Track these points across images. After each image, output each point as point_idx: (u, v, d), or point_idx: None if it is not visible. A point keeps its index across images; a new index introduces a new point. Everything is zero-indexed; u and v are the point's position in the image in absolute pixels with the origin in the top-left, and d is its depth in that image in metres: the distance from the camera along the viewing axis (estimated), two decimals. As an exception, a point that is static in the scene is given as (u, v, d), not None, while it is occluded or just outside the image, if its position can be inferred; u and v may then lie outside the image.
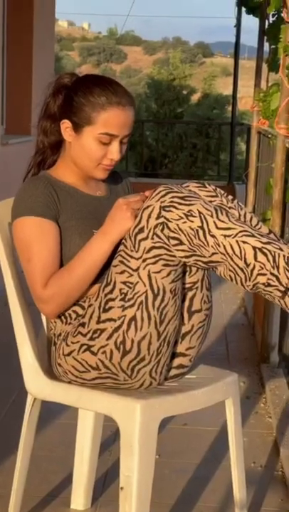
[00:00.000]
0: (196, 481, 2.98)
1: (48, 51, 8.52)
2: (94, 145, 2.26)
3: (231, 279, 2.13)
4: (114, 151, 2.27)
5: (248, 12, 6.47)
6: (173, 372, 2.32)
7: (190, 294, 2.26)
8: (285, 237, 4.16)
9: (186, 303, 2.26)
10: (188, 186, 2.25)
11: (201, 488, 2.93)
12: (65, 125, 2.29)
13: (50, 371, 2.36)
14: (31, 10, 7.73)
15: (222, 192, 2.28)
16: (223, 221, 2.09)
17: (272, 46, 5.45)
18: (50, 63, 8.66)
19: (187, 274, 2.23)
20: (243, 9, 6.77)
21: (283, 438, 3.31)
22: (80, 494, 2.67)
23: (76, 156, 2.30)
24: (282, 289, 2.08)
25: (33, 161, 2.41)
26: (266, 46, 6.12)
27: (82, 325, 2.23)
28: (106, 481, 2.93)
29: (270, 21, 5.60)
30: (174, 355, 2.29)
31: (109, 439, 3.18)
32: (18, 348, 2.39)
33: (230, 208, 2.24)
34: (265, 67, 5.96)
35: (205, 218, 2.08)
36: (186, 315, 2.27)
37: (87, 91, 2.25)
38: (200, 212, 2.09)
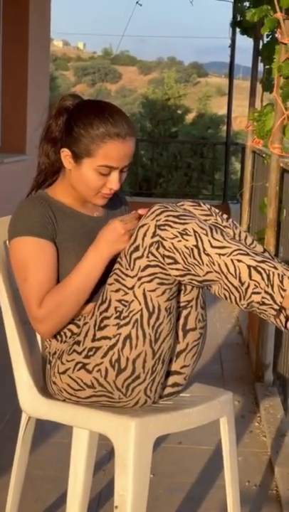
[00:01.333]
0: (191, 501, 2.98)
1: (44, 71, 8.56)
2: (93, 175, 2.25)
3: (226, 298, 2.14)
4: (114, 181, 2.26)
5: (242, 33, 6.50)
6: (168, 390, 2.32)
7: (185, 312, 2.26)
8: (280, 256, 4.16)
9: (181, 321, 2.27)
10: (183, 205, 2.25)
11: (196, 507, 2.93)
12: (65, 153, 2.28)
13: (44, 389, 2.36)
14: (26, 30, 7.77)
15: (217, 211, 2.29)
16: (217, 240, 2.09)
17: (267, 66, 5.48)
18: (46, 83, 8.69)
19: (182, 292, 2.24)
20: (238, 30, 6.80)
21: (278, 457, 3.31)
22: (74, 513, 2.66)
23: (75, 184, 2.30)
24: (276, 307, 2.08)
25: (34, 182, 2.41)
26: (260, 66, 6.16)
27: (77, 343, 2.23)
28: (100, 500, 2.92)
29: (264, 41, 5.63)
30: (168, 373, 2.29)
31: (104, 458, 3.17)
32: (12, 366, 2.39)
33: (225, 226, 2.25)
34: (259, 87, 5.99)
35: (200, 237, 2.09)
36: (180, 333, 2.27)
37: (86, 122, 2.22)
38: (195, 231, 2.09)
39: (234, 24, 7.12)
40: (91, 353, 2.19)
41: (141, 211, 2.19)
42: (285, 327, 2.11)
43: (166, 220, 2.11)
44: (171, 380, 2.31)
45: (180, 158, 16.53)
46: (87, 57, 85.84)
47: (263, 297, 2.08)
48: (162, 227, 2.11)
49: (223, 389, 2.51)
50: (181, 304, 2.25)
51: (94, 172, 2.25)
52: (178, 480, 3.14)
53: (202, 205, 2.27)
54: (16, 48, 7.70)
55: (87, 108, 2.28)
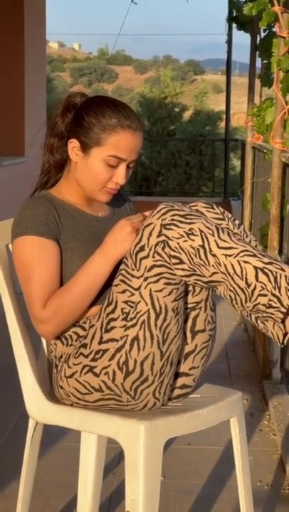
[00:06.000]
0: (203, 502, 2.95)
1: (40, 73, 8.54)
2: (101, 167, 2.23)
3: (231, 300, 2.10)
4: (120, 175, 2.24)
5: (239, 28, 6.46)
6: (176, 392, 2.29)
7: (193, 313, 2.23)
8: (284, 253, 4.13)
9: (189, 323, 2.23)
10: (196, 206, 2.22)
11: (208, 508, 2.90)
12: (73, 144, 2.26)
13: (51, 394, 2.32)
14: (22, 33, 7.75)
15: (229, 215, 2.25)
16: (224, 240, 2.06)
17: (265, 61, 5.45)
18: (42, 85, 8.67)
19: (190, 293, 2.20)
20: (234, 25, 6.76)
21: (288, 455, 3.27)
22: (84, 518, 2.63)
23: (81, 178, 2.27)
24: (283, 310, 2.03)
25: (39, 181, 2.39)
26: (258, 62, 6.12)
27: (84, 346, 2.20)
28: (111, 504, 2.89)
29: (262, 36, 5.60)
30: (177, 375, 2.26)
31: (113, 461, 3.14)
32: (18, 371, 2.36)
33: (235, 233, 2.21)
34: (257, 82, 5.95)
35: (206, 237, 2.05)
36: (189, 334, 2.24)
37: (98, 112, 2.22)
38: (201, 231, 2.06)
39: (230, 20, 7.08)
40: (98, 356, 2.16)
41: (147, 213, 2.16)
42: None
43: (172, 220, 2.07)
44: (180, 381, 2.28)
45: (178, 156, 16.49)
46: (83, 57, 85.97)
47: (269, 299, 2.04)
48: (168, 227, 2.07)
49: (231, 387, 2.49)
50: (190, 306, 2.21)
51: (102, 163, 2.22)
52: (188, 481, 3.11)
53: (215, 208, 2.24)
54: (12, 51, 7.68)
55: (98, 100, 2.28)
